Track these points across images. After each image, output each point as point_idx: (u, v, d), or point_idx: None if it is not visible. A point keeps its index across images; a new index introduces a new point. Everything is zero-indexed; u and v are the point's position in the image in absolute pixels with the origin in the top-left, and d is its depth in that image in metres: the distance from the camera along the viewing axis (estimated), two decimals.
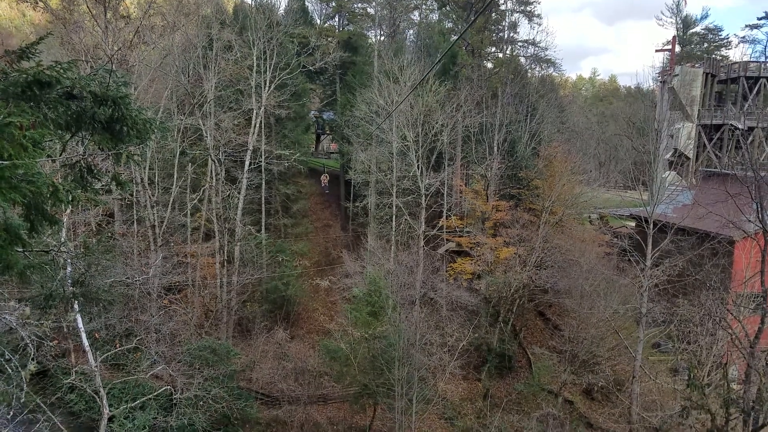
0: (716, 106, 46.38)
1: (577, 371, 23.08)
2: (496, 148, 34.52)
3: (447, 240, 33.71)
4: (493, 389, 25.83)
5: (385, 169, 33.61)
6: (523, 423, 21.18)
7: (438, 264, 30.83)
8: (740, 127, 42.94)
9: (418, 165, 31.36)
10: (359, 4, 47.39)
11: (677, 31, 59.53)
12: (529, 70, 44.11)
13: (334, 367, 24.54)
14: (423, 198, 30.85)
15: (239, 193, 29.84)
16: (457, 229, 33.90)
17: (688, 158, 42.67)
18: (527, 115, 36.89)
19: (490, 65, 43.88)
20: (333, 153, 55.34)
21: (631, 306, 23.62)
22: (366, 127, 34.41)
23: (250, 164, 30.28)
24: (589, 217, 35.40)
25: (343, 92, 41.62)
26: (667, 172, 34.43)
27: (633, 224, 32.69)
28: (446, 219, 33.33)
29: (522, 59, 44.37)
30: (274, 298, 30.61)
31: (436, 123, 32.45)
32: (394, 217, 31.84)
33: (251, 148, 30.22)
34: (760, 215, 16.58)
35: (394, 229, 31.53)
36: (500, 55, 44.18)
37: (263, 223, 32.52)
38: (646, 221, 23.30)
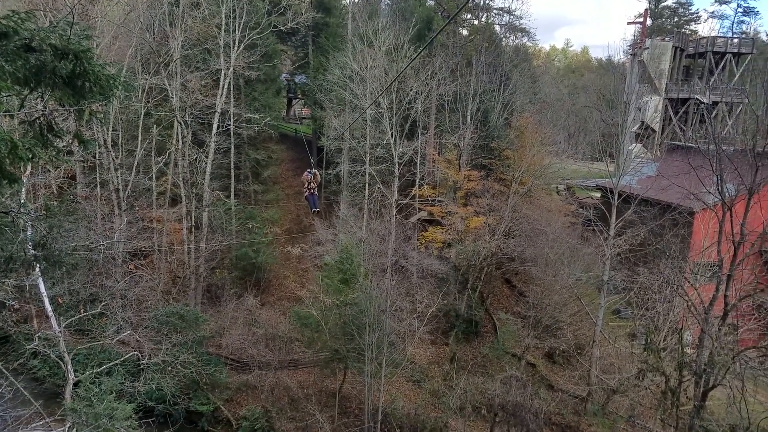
0: (683, 80, 47.24)
1: (540, 336, 23.87)
2: (469, 118, 34.53)
3: (419, 209, 33.91)
4: (460, 353, 26.54)
5: (359, 137, 33.32)
6: (488, 384, 21.89)
7: (410, 232, 31.09)
8: (705, 101, 43.94)
9: (392, 133, 31.19)
10: None
11: (649, 3, 59.95)
12: (504, 39, 43.83)
13: (305, 333, 24.76)
14: (396, 166, 30.79)
15: (207, 157, 29.19)
16: (429, 199, 34.09)
17: (654, 131, 43.58)
18: (501, 85, 36.86)
19: (465, 32, 43.39)
20: (305, 118, 54.48)
21: (594, 274, 24.38)
22: (340, 92, 33.89)
23: (218, 127, 29.56)
24: (557, 187, 36.04)
25: (315, 55, 40.69)
26: (634, 145, 35.16)
27: (598, 195, 33.50)
28: (419, 188, 33.45)
29: (497, 27, 44.07)
30: (244, 265, 30.43)
31: (411, 90, 32.18)
32: (367, 185, 31.76)
33: (219, 110, 29.46)
34: (719, 187, 17.16)
35: (366, 198, 31.51)
36: (475, 22, 43.68)
37: (232, 189, 32.01)
38: (611, 192, 23.88)
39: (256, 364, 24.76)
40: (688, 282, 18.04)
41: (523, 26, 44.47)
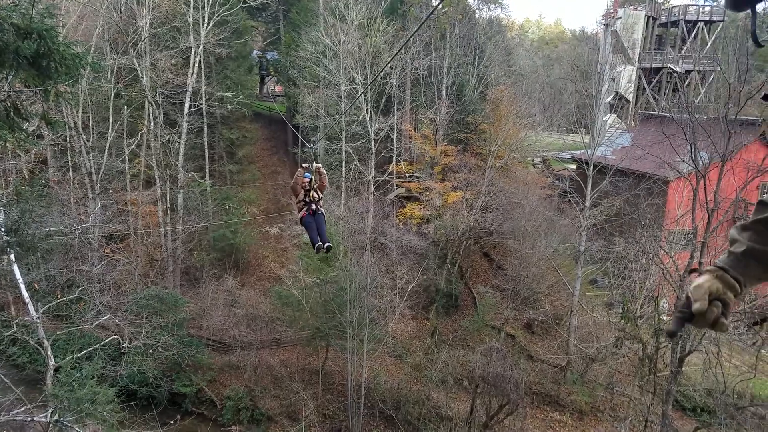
0: (656, 50, 47.64)
1: (518, 307, 24.33)
2: (444, 92, 34.38)
3: (397, 185, 33.87)
4: (441, 327, 26.92)
5: (334, 113, 32.93)
6: (468, 357, 22.31)
7: (388, 209, 31.11)
8: (678, 70, 44.47)
9: (368, 109, 30.89)
10: None
11: None
12: (477, 11, 43.56)
13: (286, 312, 24.78)
14: (373, 143, 30.59)
15: (180, 137, 28.56)
16: (406, 175, 34.04)
17: (628, 101, 44.05)
18: (475, 58, 36.67)
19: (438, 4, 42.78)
20: (279, 96, 53.55)
21: (571, 245, 24.82)
22: (313, 68, 33.32)
23: (190, 107, 28.88)
24: (533, 160, 36.33)
25: (287, 31, 39.83)
26: (608, 115, 35.55)
27: (574, 166, 33.91)
28: (396, 164, 33.33)
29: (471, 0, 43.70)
30: (222, 246, 30.14)
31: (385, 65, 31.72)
32: (343, 162, 31.52)
33: (191, 89, 28.73)
34: (693, 156, 17.49)
35: (344, 175, 31.28)
36: None
37: (207, 170, 31.45)
38: (587, 163, 24.16)
39: (238, 345, 24.77)
40: (664, 250, 18.48)
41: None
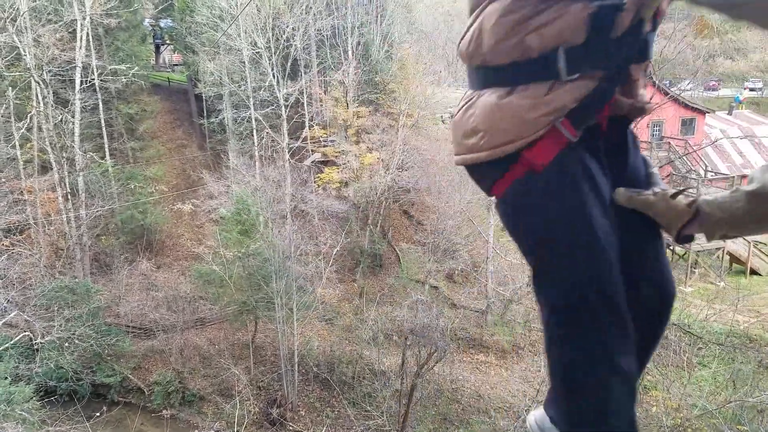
0: None
1: (439, 260, 25.43)
2: (351, 53, 34.09)
3: (312, 151, 33.57)
4: (368, 287, 27.60)
5: (239, 80, 31.77)
6: (396, 312, 23.18)
7: (306, 176, 30.86)
8: None
9: (274, 74, 30.09)
10: None
11: None
12: None
13: (208, 290, 24.27)
14: (283, 109, 29.99)
15: (73, 117, 26.48)
16: (321, 140, 33.78)
17: None
18: (377, 16, 36.48)
19: None
20: (177, 65, 50.47)
21: (482, 195, 26.03)
22: (211, 33, 31.74)
23: (81, 83, 26.75)
24: (442, 116, 37.29)
25: None
26: None
27: None
28: (309, 129, 32.93)
29: None
30: (132, 228, 28.67)
31: (287, 27, 30.94)
32: (254, 131, 30.72)
33: (80, 64, 26.56)
34: None
35: (256, 144, 30.54)
36: None
37: (107, 149, 29.41)
38: None
39: (160, 329, 24.04)
40: None
41: None
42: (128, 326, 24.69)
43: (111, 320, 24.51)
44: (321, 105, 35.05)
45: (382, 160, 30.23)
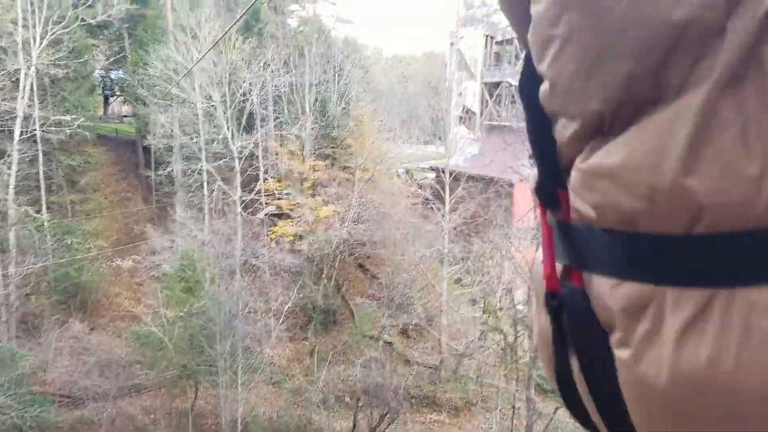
0: (495, 66, 52.15)
1: (394, 314, 24.87)
2: (308, 108, 34.49)
3: (266, 204, 33.06)
4: (320, 345, 26.55)
5: (191, 132, 31.38)
6: (349, 371, 22.22)
7: (258, 229, 30.15)
8: (514, 83, 49.06)
9: (228, 126, 29.91)
10: None
11: None
12: (333, 30, 44.48)
13: (145, 353, 22.60)
14: (237, 161, 29.60)
15: (9, 168, 25.28)
16: (275, 192, 33.40)
17: (474, 113, 47.57)
18: (335, 75, 37.27)
19: (294, 23, 43.10)
20: (126, 116, 49.68)
21: (436, 248, 26.01)
22: (164, 86, 31.52)
23: (21, 134, 25.75)
24: (397, 171, 37.75)
25: (133, 48, 37.22)
26: (459, 127, 38.03)
27: (433, 175, 35.82)
28: (263, 182, 32.56)
29: (325, 19, 44.51)
30: (66, 286, 26.83)
31: (244, 82, 31.12)
32: (205, 183, 30.07)
33: (21, 114, 25.67)
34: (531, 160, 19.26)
35: (206, 197, 29.82)
36: (303, 13, 43.65)
37: (44, 202, 27.95)
38: (443, 172, 25.69)
39: (90, 397, 22.09)
40: (514, 246, 20.05)
41: (349, 19, 45.77)
42: (56, 394, 22.62)
43: (37, 388, 22.40)
44: (276, 158, 34.90)
45: (338, 212, 30.05)
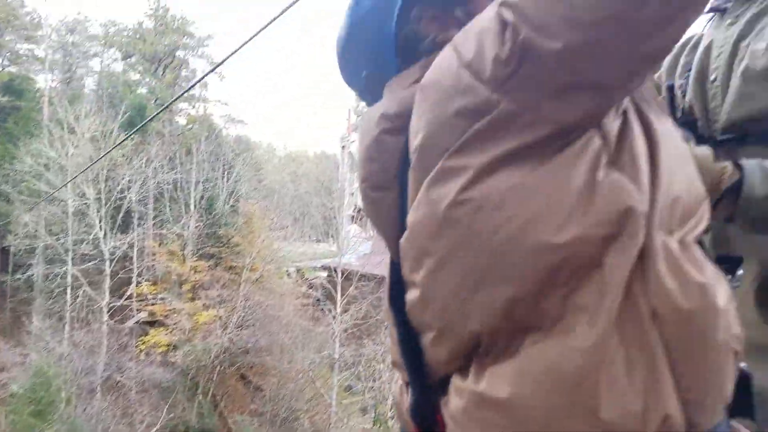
0: None
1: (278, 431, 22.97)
2: (193, 206, 33.30)
3: (138, 310, 30.24)
4: None
5: (58, 232, 28.79)
6: None
7: (126, 339, 27.19)
8: None
9: (101, 226, 27.84)
10: (25, 45, 40.73)
11: (351, 103, 69.07)
12: (224, 129, 44.60)
13: None
14: (107, 264, 27.30)
15: None
16: (149, 297, 30.80)
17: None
18: (224, 173, 36.75)
19: (183, 121, 42.66)
20: None
21: (326, 353, 24.97)
22: (32, 182, 29.19)
23: None
24: (287, 270, 36.87)
25: (2, 142, 34.57)
26: (351, 226, 38.51)
27: (325, 274, 35.35)
28: (136, 286, 29.99)
29: (216, 118, 44.66)
30: None
31: (123, 179, 29.67)
32: (69, 288, 27.20)
33: None
34: None
35: (69, 304, 26.85)
36: (193, 111, 43.51)
37: None
38: (335, 271, 25.35)
39: None
40: None
41: (241, 120, 46.57)
42: None
43: None
44: (154, 259, 32.72)
45: (219, 317, 28.17)
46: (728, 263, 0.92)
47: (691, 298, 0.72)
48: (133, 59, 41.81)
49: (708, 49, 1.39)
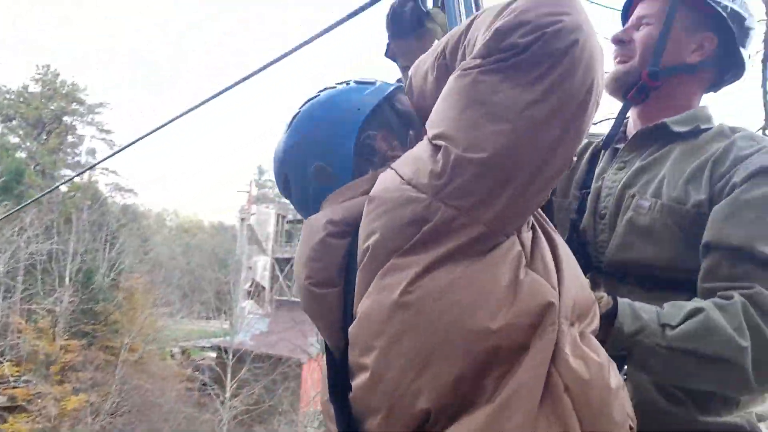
0: (286, 242, 54.21)
1: None
2: (68, 279, 30.54)
3: None
4: None
5: None
6: None
7: None
8: None
9: None
10: None
11: (254, 175, 68.57)
12: (110, 198, 42.07)
13: None
14: None
15: None
16: (11, 379, 27.17)
17: (264, 288, 47.39)
18: (107, 244, 34.30)
19: (64, 188, 39.75)
20: None
21: None
22: None
23: None
24: (171, 351, 34.29)
25: None
26: (246, 302, 37.13)
27: (214, 355, 33.30)
28: None
29: (102, 186, 42.16)
30: None
31: None
32: None
33: None
34: (319, 338, 19.32)
35: None
36: (77, 179, 40.79)
37: None
38: (226, 351, 24.06)
39: None
40: None
41: (131, 188, 44.58)
42: None
43: None
44: (19, 336, 29.06)
45: (91, 403, 25.39)
46: (616, 361, 1.10)
47: (591, 371, 0.89)
48: (14, 122, 39.15)
49: (599, 187, 1.55)
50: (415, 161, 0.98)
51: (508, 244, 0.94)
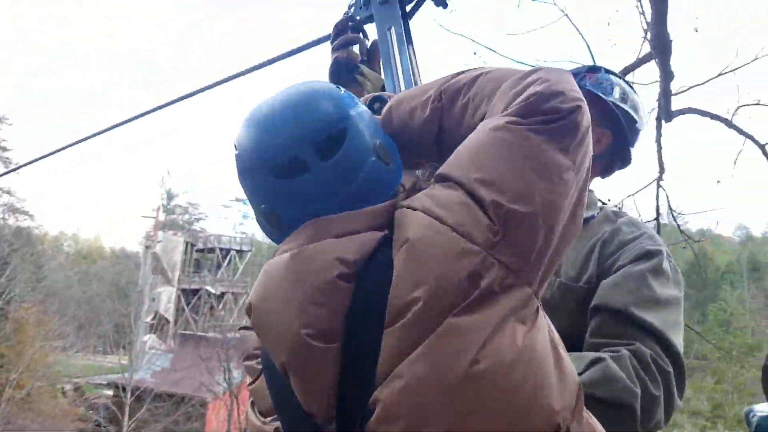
0: (194, 272, 52.16)
1: None
2: None
3: None
4: None
5: None
6: None
7: None
8: (214, 292, 49.39)
9: None
10: None
11: (162, 200, 65.50)
12: (2, 220, 38.71)
13: None
14: None
15: None
16: None
17: (168, 321, 45.16)
18: None
19: None
20: None
21: None
22: None
23: None
24: (63, 388, 31.72)
25: None
26: (148, 336, 35.32)
27: (111, 393, 31.22)
28: None
29: None
30: None
31: None
32: None
33: None
34: (226, 376, 19.06)
35: None
36: None
37: None
38: (124, 389, 22.90)
39: None
40: None
41: (26, 210, 41.32)
42: None
43: None
44: None
45: None
46: None
47: None
48: None
49: None
50: (456, 206, 0.91)
51: (542, 311, 0.93)
